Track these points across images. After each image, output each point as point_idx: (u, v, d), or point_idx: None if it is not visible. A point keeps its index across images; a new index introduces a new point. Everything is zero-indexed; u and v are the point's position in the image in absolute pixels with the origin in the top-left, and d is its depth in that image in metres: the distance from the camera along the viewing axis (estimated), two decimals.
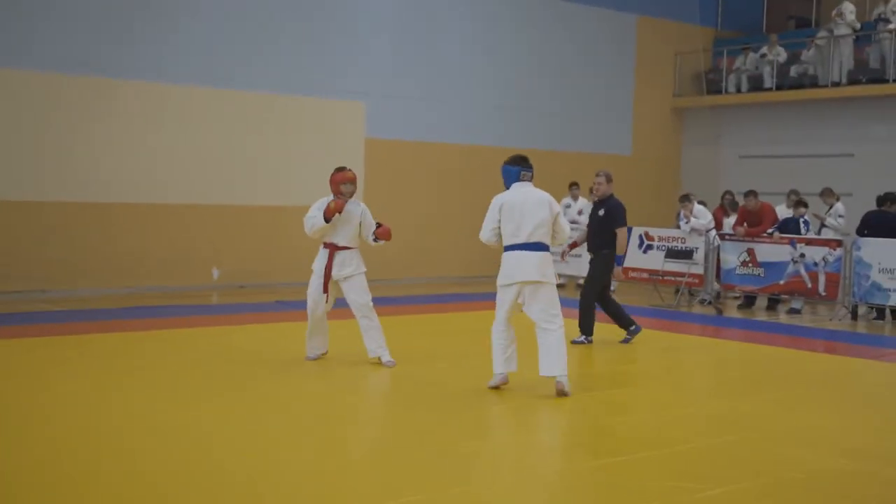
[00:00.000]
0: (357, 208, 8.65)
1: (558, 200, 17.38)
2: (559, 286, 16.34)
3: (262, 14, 15.41)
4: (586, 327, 10.33)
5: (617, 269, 10.63)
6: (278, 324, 11.40)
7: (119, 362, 8.61)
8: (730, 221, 15.27)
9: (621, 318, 10.47)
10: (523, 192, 7.61)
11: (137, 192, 14.37)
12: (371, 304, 8.54)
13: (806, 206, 14.24)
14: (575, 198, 16.28)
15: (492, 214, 7.59)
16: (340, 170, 8.63)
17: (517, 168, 7.72)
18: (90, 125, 13.92)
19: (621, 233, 10.37)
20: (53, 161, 13.66)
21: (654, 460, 5.91)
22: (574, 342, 10.00)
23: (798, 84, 19.18)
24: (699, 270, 14.49)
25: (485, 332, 7.84)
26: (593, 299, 10.40)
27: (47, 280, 13.55)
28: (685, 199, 14.79)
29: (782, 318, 13.49)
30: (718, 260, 14.45)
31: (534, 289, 7.45)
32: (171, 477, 5.30)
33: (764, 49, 19.84)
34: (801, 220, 13.93)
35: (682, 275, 14.53)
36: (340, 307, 8.83)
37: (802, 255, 13.47)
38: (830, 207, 14.74)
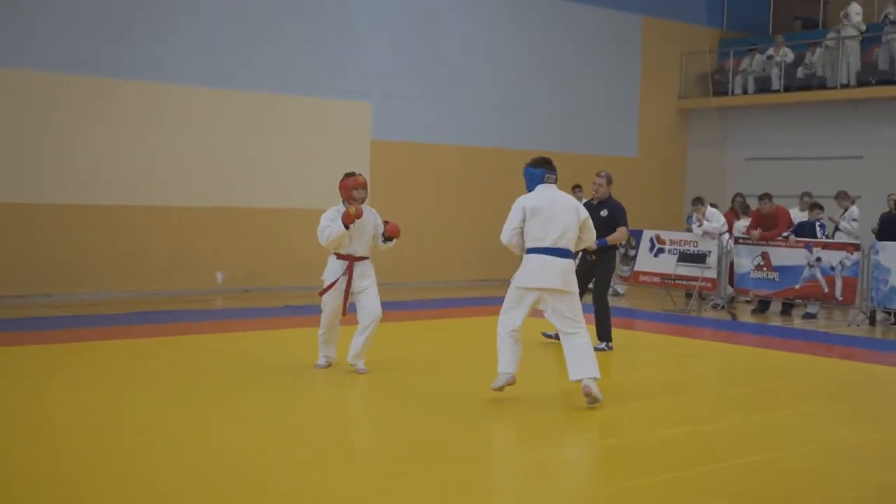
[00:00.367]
0: (370, 214, 8.37)
1: None
2: None
3: (264, 14, 15.15)
4: (604, 333, 10.10)
5: (593, 245, 10.35)
6: (290, 330, 11.11)
7: (125, 370, 8.32)
8: (740, 224, 15.07)
9: (605, 327, 10.21)
10: (550, 196, 7.38)
11: (138, 194, 14.09)
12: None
13: (822, 208, 14.02)
14: (578, 200, 16.04)
15: (515, 215, 7.33)
16: (351, 175, 8.28)
17: (541, 170, 7.48)
18: (90, 125, 13.64)
19: (623, 230, 10.32)
20: (53, 162, 13.38)
21: (708, 477, 5.64)
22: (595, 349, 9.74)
23: (806, 86, 18.98)
24: (712, 274, 14.27)
25: (488, 337, 7.59)
26: (607, 300, 10.21)
27: (48, 284, 13.26)
28: (698, 201, 14.57)
29: (798, 323, 13.27)
30: (731, 264, 14.22)
31: (556, 296, 7.25)
32: (178, 486, 5.04)
33: (771, 50, 19.65)
34: (817, 223, 13.71)
35: (694, 279, 14.30)
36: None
37: (819, 259, 13.25)
38: (845, 211, 14.55)
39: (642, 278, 15.25)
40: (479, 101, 17.69)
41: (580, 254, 10.27)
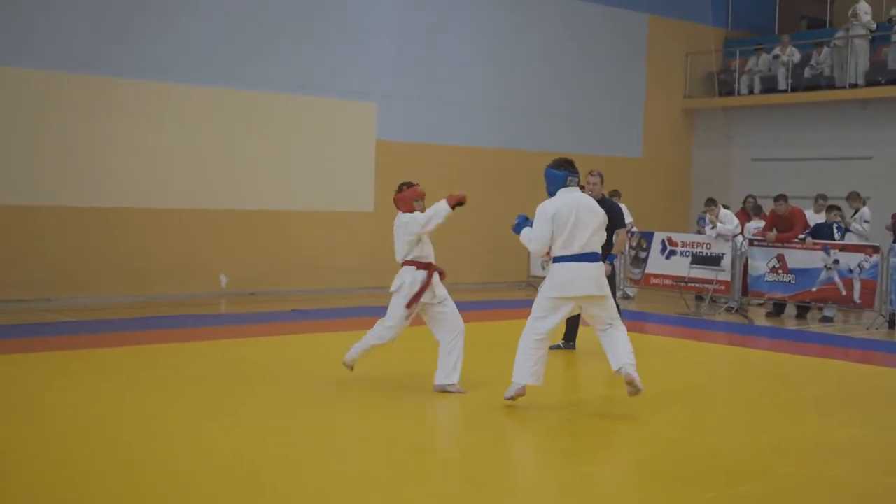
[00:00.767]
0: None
1: None
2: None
3: (265, 12, 14.83)
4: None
5: (607, 266, 10.11)
6: (299, 336, 10.82)
7: (127, 378, 8.02)
8: (752, 226, 14.86)
9: (573, 330, 10.01)
10: (574, 200, 7.12)
11: (138, 196, 13.76)
12: None
13: (839, 210, 13.80)
14: None
15: (545, 225, 7.02)
16: (410, 185, 7.89)
17: (564, 172, 7.20)
18: (90, 125, 13.32)
19: (623, 233, 10.10)
20: (53, 163, 13.05)
21: (769, 492, 5.38)
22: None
23: (814, 85, 18.77)
24: (726, 277, 14.03)
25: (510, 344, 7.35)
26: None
27: (50, 288, 12.93)
28: (711, 202, 14.34)
29: (815, 327, 13.04)
30: (745, 266, 13.99)
31: (592, 302, 7.08)
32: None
33: (777, 50, 19.44)
34: (835, 224, 13.48)
35: (709, 281, 14.06)
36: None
37: (836, 262, 13.02)
38: (856, 212, 14.32)
39: (653, 281, 15.01)
40: (483, 102, 17.43)
41: None
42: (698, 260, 14.27)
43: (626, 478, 5.95)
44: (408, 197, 7.82)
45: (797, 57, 19.13)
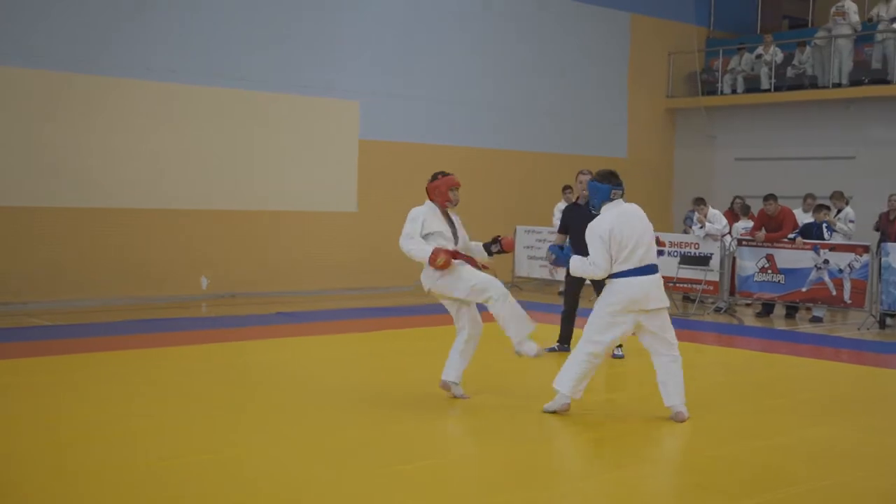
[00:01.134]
0: (456, 220, 7.62)
1: (551, 206, 17.00)
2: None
3: (249, 9, 14.56)
4: (568, 336, 9.95)
5: None
6: (285, 339, 10.55)
7: (106, 384, 7.74)
8: (739, 226, 14.76)
9: (568, 330, 9.89)
10: (626, 214, 6.88)
11: (114, 197, 13.41)
12: None
13: (829, 209, 13.72)
14: (569, 202, 15.64)
15: (602, 245, 6.74)
16: (444, 174, 7.42)
17: (607, 186, 6.94)
18: (67, 124, 12.95)
19: None
20: (20, 163, 12.62)
21: (804, 499, 5.23)
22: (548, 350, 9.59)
23: (797, 85, 18.72)
24: (715, 277, 13.90)
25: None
26: (577, 304, 10.00)
27: (27, 291, 12.57)
28: (700, 202, 14.21)
29: (805, 327, 12.94)
30: (734, 266, 13.87)
31: (654, 315, 6.84)
32: None
33: (760, 49, 19.38)
34: (824, 224, 13.38)
35: (697, 282, 13.93)
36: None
37: (826, 262, 12.92)
38: (839, 211, 14.23)
39: None
40: (468, 101, 17.23)
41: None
42: (687, 260, 14.14)
43: (660, 486, 5.74)
44: (441, 187, 7.37)
45: (780, 56, 19.08)
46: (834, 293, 12.89)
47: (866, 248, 12.77)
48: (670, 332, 6.92)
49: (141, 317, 11.93)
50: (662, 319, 6.87)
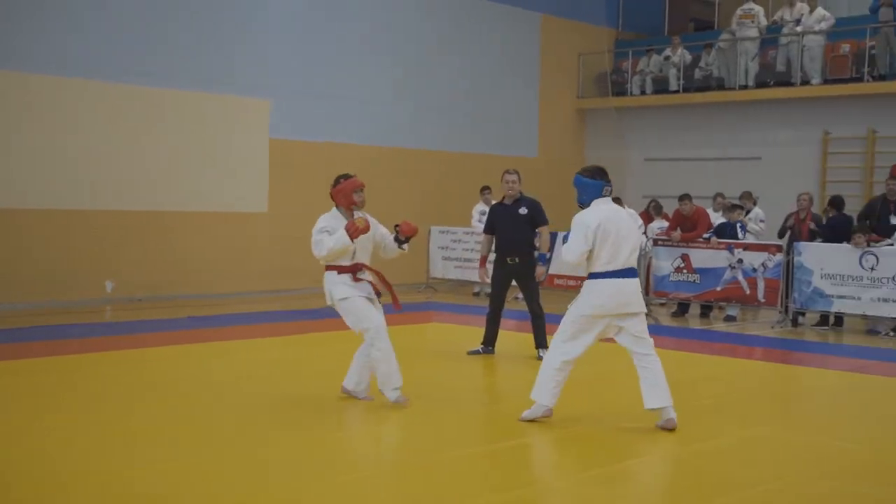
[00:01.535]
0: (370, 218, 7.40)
1: (465, 205, 16.85)
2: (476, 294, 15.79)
3: (154, 6, 14.01)
4: (542, 340, 9.64)
5: (541, 269, 9.83)
6: (200, 344, 10.12)
7: (13, 397, 7.26)
8: (654, 226, 14.85)
9: (543, 334, 9.69)
10: (615, 212, 6.71)
11: (13, 197, 12.74)
12: None
13: (742, 209, 13.88)
14: (488, 203, 15.52)
15: (586, 236, 6.50)
16: (347, 177, 7.34)
17: (599, 182, 6.72)
18: None
19: (547, 230, 9.88)
20: None
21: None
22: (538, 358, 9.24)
23: (704, 86, 18.99)
24: None
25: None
26: (541, 307, 9.79)
27: None
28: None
29: (719, 326, 13.06)
30: (649, 266, 13.93)
31: (631, 318, 6.65)
32: None
33: (668, 51, 19.60)
34: (738, 224, 13.54)
35: None
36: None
37: (740, 261, 13.07)
38: (748, 212, 14.40)
39: (557, 282, 14.81)
40: (380, 100, 16.96)
41: (508, 259, 9.73)
42: None
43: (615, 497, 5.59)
44: (346, 189, 7.26)
45: (688, 58, 19.33)
46: (748, 292, 13.04)
47: (780, 248, 12.95)
48: (646, 332, 6.76)
49: (40, 322, 11.31)
50: (639, 321, 6.69)
